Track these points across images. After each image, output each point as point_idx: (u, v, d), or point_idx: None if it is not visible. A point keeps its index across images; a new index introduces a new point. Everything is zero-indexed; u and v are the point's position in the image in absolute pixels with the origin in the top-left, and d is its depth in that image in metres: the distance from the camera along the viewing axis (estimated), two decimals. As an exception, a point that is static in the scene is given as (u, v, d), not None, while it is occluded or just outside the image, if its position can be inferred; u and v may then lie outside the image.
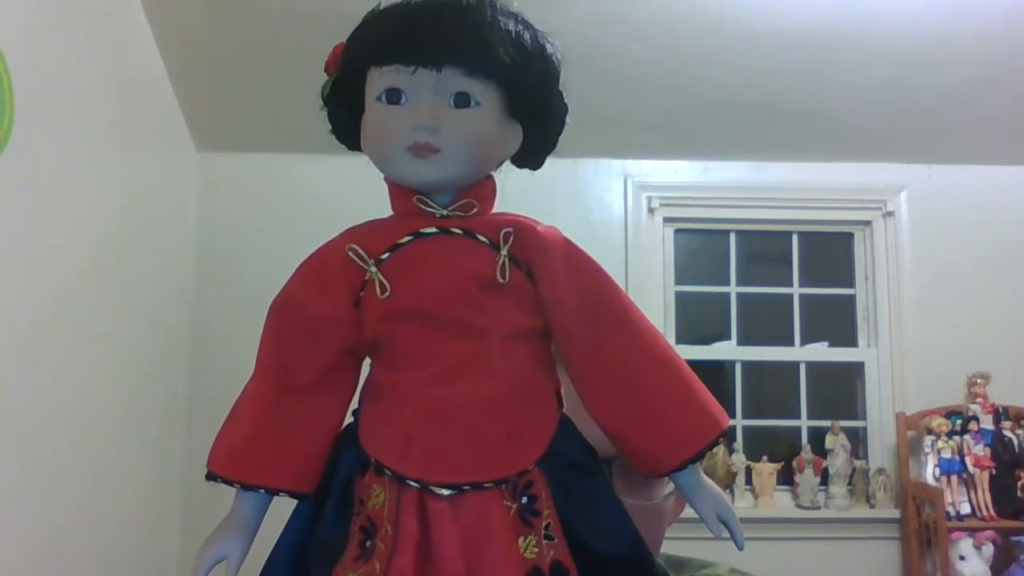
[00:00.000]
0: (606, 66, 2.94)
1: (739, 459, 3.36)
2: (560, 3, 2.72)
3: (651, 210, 3.47)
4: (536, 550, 0.71)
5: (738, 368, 3.51)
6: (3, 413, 2.13)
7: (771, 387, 3.65)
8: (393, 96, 0.76)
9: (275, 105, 3.17)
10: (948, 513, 3.15)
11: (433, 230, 0.77)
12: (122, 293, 2.76)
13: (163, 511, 3.13)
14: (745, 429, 3.48)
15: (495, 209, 0.81)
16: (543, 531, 0.72)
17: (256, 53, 2.98)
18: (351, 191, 3.17)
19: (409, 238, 0.77)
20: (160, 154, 3.13)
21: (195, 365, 3.28)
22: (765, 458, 3.38)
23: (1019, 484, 3.23)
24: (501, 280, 0.75)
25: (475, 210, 0.78)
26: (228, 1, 2.83)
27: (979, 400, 3.32)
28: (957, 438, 3.28)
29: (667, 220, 3.52)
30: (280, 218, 3.34)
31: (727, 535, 0.77)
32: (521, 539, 0.71)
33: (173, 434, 3.18)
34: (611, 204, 3.47)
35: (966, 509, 3.21)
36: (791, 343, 3.56)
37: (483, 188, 0.79)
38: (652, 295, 3.38)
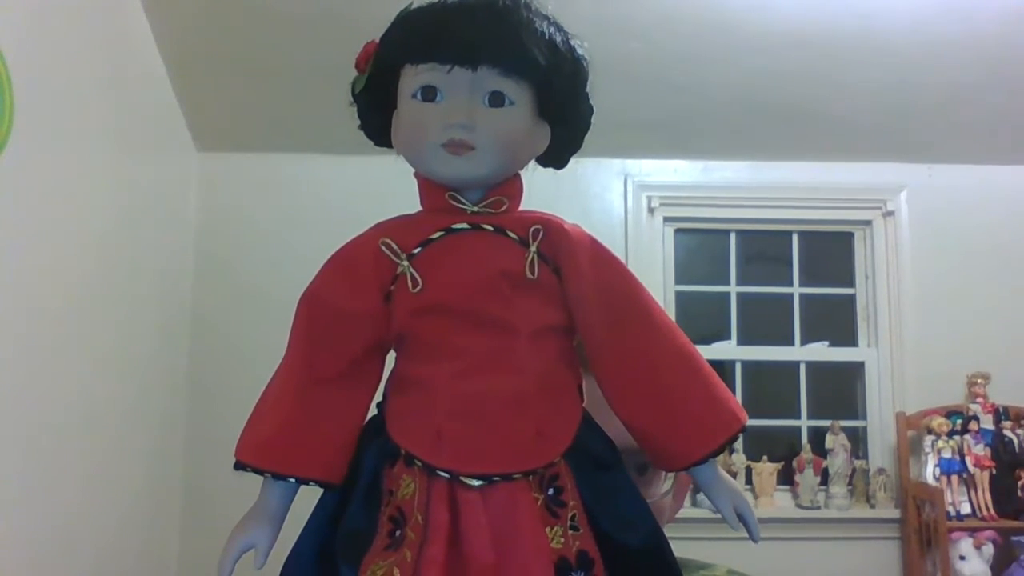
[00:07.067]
0: (606, 66, 2.93)
1: (739, 459, 3.36)
2: (560, 3, 2.72)
3: (651, 210, 3.47)
4: (562, 540, 0.73)
5: (738, 368, 3.51)
6: (3, 413, 2.13)
7: (771, 387, 3.65)
8: (428, 94, 0.77)
9: (275, 105, 3.18)
10: (948, 513, 3.15)
11: (465, 226, 0.78)
12: (122, 293, 2.76)
13: (163, 511, 3.12)
14: (745, 429, 3.46)
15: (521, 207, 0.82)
16: (569, 522, 0.73)
17: (256, 53, 2.97)
18: (351, 191, 3.21)
19: (441, 233, 0.78)
20: (160, 154, 3.13)
21: (195, 364, 3.27)
22: (765, 458, 3.37)
23: (1019, 484, 3.23)
24: (530, 276, 0.77)
25: (505, 207, 0.80)
26: (228, 1, 2.83)
27: (979, 400, 3.32)
28: (957, 438, 3.27)
29: (667, 220, 3.52)
30: (280, 218, 3.35)
31: (744, 531, 0.79)
32: (548, 529, 0.73)
33: (173, 434, 3.18)
34: (611, 204, 3.47)
35: (966, 509, 3.21)
36: (791, 343, 3.56)
37: (512, 186, 0.81)
38: (652, 295, 3.37)
